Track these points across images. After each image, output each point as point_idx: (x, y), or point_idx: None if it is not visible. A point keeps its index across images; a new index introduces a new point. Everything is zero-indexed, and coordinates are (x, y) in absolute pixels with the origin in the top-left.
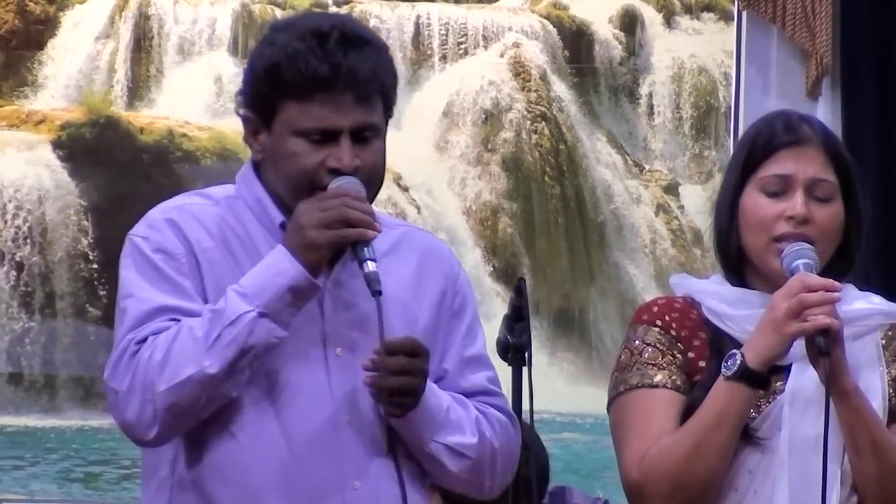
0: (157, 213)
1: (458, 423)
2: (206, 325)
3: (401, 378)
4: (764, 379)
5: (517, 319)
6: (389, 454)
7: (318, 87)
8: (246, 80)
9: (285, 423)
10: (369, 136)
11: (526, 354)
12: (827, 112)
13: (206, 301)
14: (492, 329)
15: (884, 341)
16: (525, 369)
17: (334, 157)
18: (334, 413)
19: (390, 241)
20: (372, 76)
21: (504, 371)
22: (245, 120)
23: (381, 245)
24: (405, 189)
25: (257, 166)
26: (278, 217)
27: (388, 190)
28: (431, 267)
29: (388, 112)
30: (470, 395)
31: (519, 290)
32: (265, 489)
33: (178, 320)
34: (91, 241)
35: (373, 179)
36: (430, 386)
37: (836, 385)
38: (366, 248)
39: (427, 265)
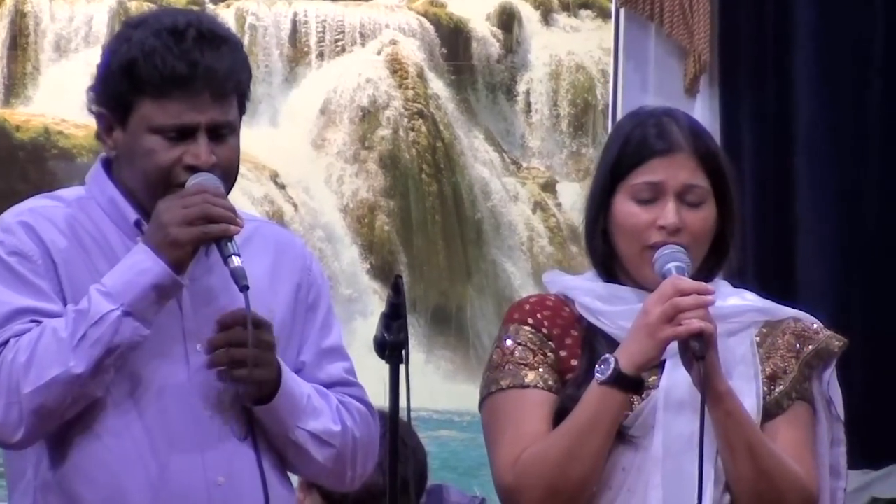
0: (9, 216)
1: (321, 411)
2: (71, 325)
3: (239, 350)
4: (638, 383)
5: (394, 317)
6: (252, 447)
7: (176, 85)
8: (100, 76)
9: (148, 422)
10: (225, 133)
11: (403, 352)
12: (705, 109)
13: (64, 302)
14: (369, 327)
15: (758, 339)
16: (402, 367)
17: (191, 154)
18: (195, 409)
19: (243, 235)
20: (229, 74)
21: (381, 369)
22: (98, 117)
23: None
24: (282, 187)
25: (108, 165)
26: (132, 215)
27: (264, 187)
28: (286, 260)
29: (242, 108)
30: (328, 386)
31: (396, 288)
32: (131, 489)
33: (39, 322)
34: None
35: (229, 175)
36: (291, 374)
37: (710, 388)
38: (230, 244)
39: (281, 259)
